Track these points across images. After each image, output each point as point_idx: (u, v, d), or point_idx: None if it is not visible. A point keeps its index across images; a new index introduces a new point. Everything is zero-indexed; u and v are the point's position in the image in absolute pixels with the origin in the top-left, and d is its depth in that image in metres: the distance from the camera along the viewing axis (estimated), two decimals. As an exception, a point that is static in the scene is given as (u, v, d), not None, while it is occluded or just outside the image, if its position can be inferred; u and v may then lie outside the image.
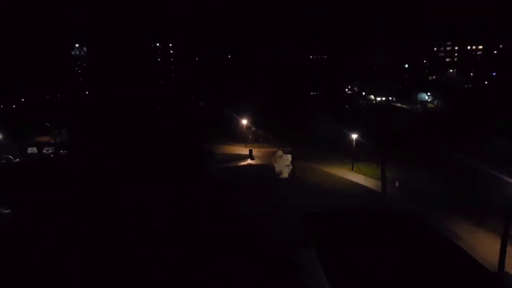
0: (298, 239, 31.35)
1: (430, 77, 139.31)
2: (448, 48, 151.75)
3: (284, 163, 54.58)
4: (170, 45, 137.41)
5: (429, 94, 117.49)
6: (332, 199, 43.93)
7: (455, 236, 34.07)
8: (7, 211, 42.37)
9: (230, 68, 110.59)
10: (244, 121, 74.14)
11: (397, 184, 48.67)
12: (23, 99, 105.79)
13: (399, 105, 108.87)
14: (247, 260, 30.90)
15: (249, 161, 64.30)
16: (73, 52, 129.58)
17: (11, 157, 64.55)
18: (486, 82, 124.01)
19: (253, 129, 71.88)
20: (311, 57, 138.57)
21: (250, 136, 74.13)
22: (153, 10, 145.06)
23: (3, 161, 63.29)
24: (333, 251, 25.77)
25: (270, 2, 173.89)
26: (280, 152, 55.54)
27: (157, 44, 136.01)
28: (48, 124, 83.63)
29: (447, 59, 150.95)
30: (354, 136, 57.58)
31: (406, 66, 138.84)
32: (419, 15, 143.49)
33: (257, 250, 32.46)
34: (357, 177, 54.11)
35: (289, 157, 54.13)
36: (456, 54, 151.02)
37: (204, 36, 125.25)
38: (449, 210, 40.14)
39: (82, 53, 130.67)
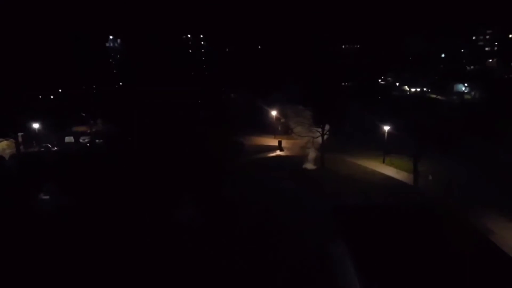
0: (329, 232, 31.19)
1: (468, 67, 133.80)
2: (487, 37, 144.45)
3: (312, 154, 54.37)
4: (201, 36, 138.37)
5: (466, 85, 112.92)
6: (363, 192, 43.36)
7: (489, 230, 32.96)
8: (46, 197, 44.38)
9: (261, 59, 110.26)
10: (274, 113, 73.96)
11: (430, 178, 47.34)
12: (61, 91, 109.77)
13: (434, 96, 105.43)
14: (274, 251, 31.09)
15: (278, 152, 64.28)
16: (107, 44, 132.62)
17: (49, 145, 67.38)
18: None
19: (283, 120, 71.64)
20: (343, 46, 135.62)
21: (279, 128, 74.00)
22: (185, 2, 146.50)
23: (42, 150, 66.17)
24: (363, 245, 25.48)
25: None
26: (309, 144, 55.16)
27: (189, 36, 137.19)
28: (84, 115, 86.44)
29: (487, 48, 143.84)
30: (386, 128, 56.32)
31: (443, 56, 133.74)
32: (457, 1, 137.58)
33: (286, 242, 32.57)
34: (388, 170, 53.07)
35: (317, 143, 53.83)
36: (496, 43, 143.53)
37: (235, 27, 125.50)
38: (484, 204, 38.80)
39: (116, 45, 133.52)
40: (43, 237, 34.29)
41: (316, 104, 53.94)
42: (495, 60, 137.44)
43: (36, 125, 70.66)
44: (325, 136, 54.57)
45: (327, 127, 54.35)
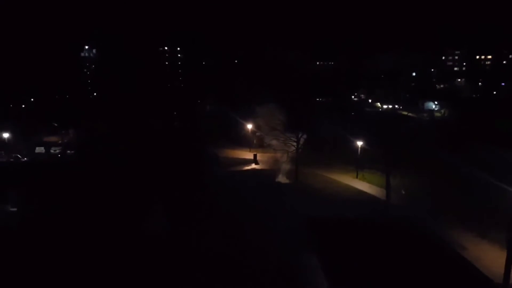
0: (301, 244, 31.30)
1: (438, 86, 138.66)
2: (456, 57, 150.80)
3: (286, 168, 54.85)
4: (178, 48, 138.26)
5: (436, 103, 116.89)
6: (336, 206, 43.76)
7: (460, 246, 33.67)
8: (14, 209, 42.79)
9: (236, 72, 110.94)
10: (249, 126, 74.20)
11: (403, 192, 48.16)
12: (32, 99, 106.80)
13: (405, 113, 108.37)
14: (248, 264, 30.89)
15: (253, 165, 64.39)
16: (82, 54, 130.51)
17: (19, 156, 65.36)
18: (494, 92, 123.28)
19: (258, 133, 71.96)
20: (318, 63, 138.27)
21: (255, 141, 74.18)
22: (162, 13, 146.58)
23: (11, 160, 64.10)
24: (335, 258, 25.71)
25: (278, 7, 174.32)
26: (284, 157, 55.61)
27: (165, 48, 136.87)
28: (56, 124, 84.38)
29: (456, 68, 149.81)
30: (359, 143, 57.41)
31: (414, 74, 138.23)
32: (428, 23, 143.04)
33: (259, 255, 32.41)
34: (361, 185, 53.90)
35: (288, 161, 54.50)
36: (464, 64, 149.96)
37: (211, 40, 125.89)
38: (454, 219, 39.78)
39: (91, 54, 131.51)
40: (10, 251, 33.04)
41: (290, 112, 54.67)
42: (463, 80, 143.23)
43: (5, 135, 68.47)
44: (299, 150, 55.12)
45: (302, 141, 54.95)
